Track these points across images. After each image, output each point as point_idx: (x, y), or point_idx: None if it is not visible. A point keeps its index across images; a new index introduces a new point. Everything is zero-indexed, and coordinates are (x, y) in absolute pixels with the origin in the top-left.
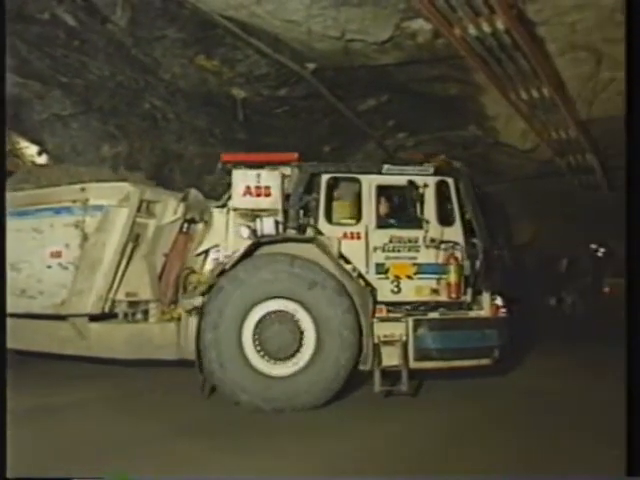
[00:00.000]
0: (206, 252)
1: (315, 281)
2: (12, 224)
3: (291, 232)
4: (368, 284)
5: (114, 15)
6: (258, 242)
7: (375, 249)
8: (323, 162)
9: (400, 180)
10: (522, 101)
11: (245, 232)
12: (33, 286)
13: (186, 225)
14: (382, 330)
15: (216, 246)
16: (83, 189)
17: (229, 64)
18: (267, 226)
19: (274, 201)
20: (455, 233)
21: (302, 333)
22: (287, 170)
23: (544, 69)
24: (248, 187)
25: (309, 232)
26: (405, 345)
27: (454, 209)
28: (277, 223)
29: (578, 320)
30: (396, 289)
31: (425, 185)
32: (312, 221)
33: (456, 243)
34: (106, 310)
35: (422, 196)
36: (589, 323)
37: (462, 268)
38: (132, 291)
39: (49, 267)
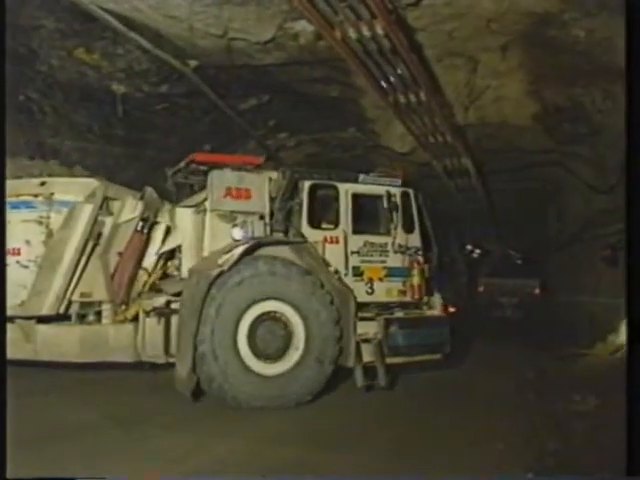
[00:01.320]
0: (171, 252)
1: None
2: None
3: (278, 235)
4: (345, 286)
5: None
6: (259, 244)
7: (352, 253)
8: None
9: (373, 189)
10: (400, 105)
11: (238, 234)
12: None
13: (141, 224)
14: (358, 329)
15: (179, 246)
16: (43, 183)
17: (109, 58)
18: (257, 228)
19: (259, 204)
20: (416, 239)
21: (292, 333)
22: (274, 174)
23: (422, 74)
24: (229, 189)
25: (290, 235)
26: (380, 343)
27: (414, 217)
28: (266, 226)
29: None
30: (370, 290)
31: (394, 195)
32: (295, 225)
33: (418, 249)
34: (61, 311)
35: (396, 205)
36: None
37: (424, 271)
38: (87, 291)
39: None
